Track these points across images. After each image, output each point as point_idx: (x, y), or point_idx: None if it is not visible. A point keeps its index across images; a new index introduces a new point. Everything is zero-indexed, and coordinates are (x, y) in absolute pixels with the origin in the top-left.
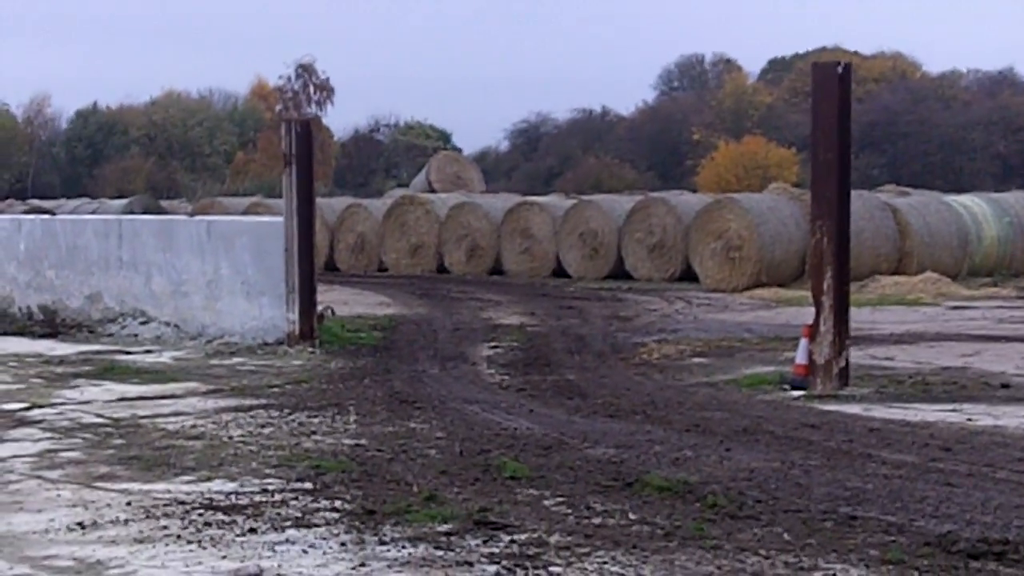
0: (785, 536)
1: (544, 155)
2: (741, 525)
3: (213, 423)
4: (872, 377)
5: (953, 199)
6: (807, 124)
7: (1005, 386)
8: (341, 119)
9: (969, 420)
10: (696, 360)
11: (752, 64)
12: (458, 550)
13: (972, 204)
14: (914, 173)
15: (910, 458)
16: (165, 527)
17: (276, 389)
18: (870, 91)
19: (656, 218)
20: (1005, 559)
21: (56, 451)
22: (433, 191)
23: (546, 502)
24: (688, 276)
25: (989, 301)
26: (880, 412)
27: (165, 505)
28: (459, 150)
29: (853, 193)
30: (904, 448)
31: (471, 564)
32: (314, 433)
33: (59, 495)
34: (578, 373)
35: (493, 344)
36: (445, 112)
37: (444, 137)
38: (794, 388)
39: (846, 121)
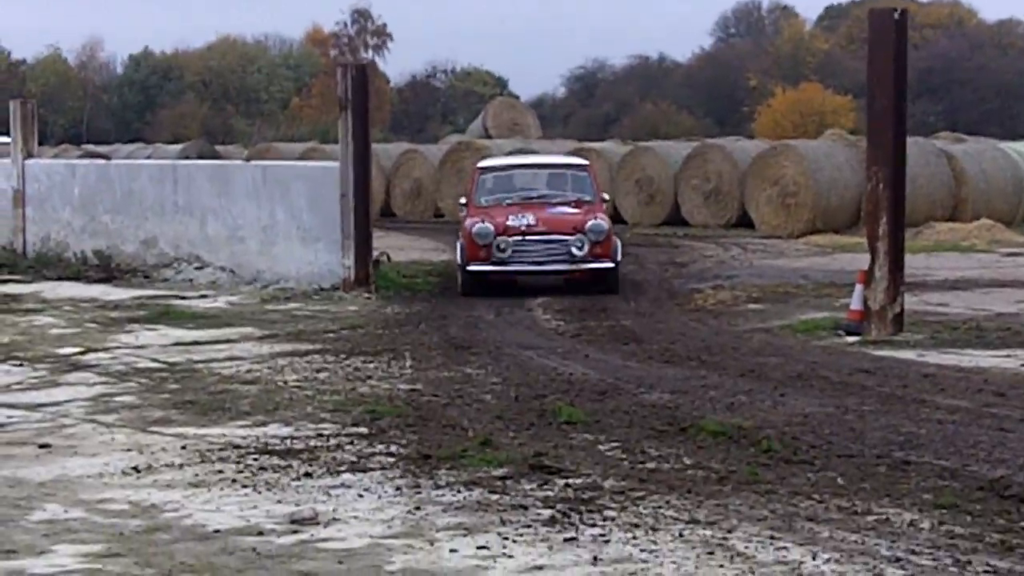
0: (839, 480)
1: (601, 101)
2: (795, 469)
3: (268, 368)
4: (926, 323)
5: (1009, 146)
6: (864, 71)
7: None
8: (398, 65)
9: (1023, 366)
10: (751, 306)
11: (809, 11)
12: (513, 494)
13: None
14: (970, 120)
15: (964, 403)
16: (220, 471)
17: (331, 334)
18: (927, 38)
19: (712, 164)
20: None
21: (111, 395)
22: (489, 137)
23: (601, 447)
24: (744, 222)
25: None
26: (934, 358)
27: (220, 449)
28: (516, 96)
29: (909, 140)
30: (958, 393)
31: (526, 508)
32: (369, 378)
33: (114, 439)
34: (633, 319)
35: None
36: (502, 58)
37: (501, 83)
38: (849, 334)
39: (902, 68)
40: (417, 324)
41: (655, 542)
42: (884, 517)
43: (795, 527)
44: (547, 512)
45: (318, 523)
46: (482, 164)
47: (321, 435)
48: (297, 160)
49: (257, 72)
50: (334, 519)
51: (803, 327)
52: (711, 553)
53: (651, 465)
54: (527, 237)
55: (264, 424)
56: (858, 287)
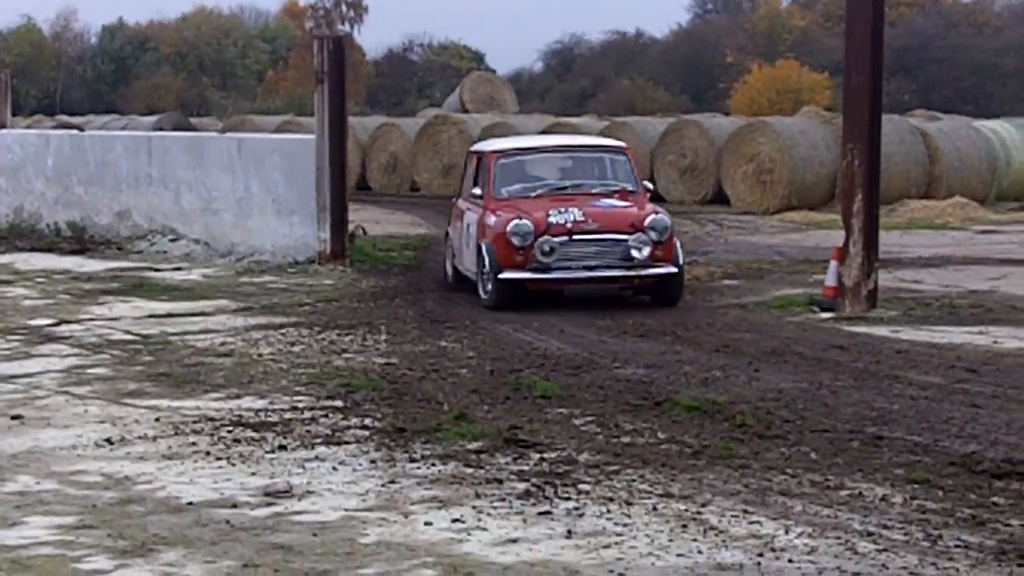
0: (812, 455)
1: (577, 77)
2: (769, 444)
3: (243, 341)
4: (900, 299)
5: (983, 124)
6: (840, 48)
7: None
8: (374, 38)
9: (995, 342)
10: (726, 282)
11: None
12: (488, 468)
13: (1001, 129)
14: (945, 98)
15: (936, 379)
16: (194, 444)
17: (307, 307)
18: (903, 15)
19: (688, 140)
20: None
21: (84, 367)
22: (466, 111)
23: (576, 421)
24: (719, 198)
25: (1016, 225)
26: (907, 334)
27: (194, 422)
28: (492, 71)
29: (884, 117)
30: (930, 370)
31: (500, 482)
32: (345, 351)
33: (87, 411)
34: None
35: None
36: (479, 32)
37: (478, 57)
38: (823, 310)
39: (879, 44)
40: (392, 298)
41: (629, 516)
42: (857, 492)
43: (768, 501)
44: (522, 486)
45: (292, 496)
46: (496, 146)
47: (296, 408)
48: (273, 133)
49: (233, 44)
50: (308, 492)
51: (778, 303)
52: (685, 527)
53: (626, 439)
54: (575, 237)
55: (238, 397)
56: (832, 263)
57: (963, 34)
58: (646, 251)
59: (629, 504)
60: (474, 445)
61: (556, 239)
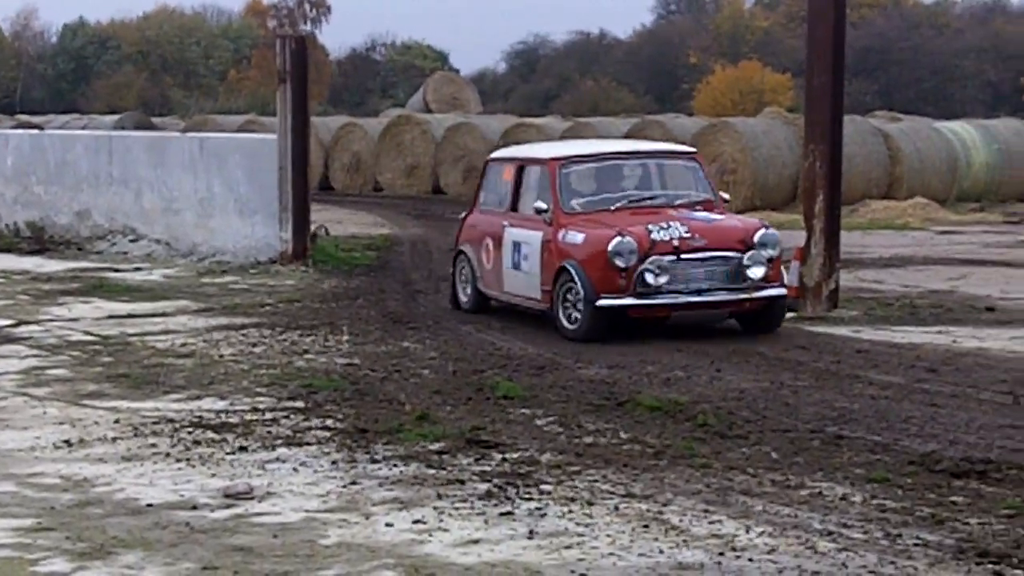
0: (773, 455)
1: (541, 77)
2: (730, 444)
3: (204, 341)
4: (861, 300)
5: (944, 125)
6: (802, 49)
7: (990, 309)
8: (337, 38)
9: (954, 342)
10: None
11: None
12: (450, 468)
13: (962, 131)
14: (906, 100)
15: (896, 379)
16: (154, 445)
17: (268, 308)
18: (864, 17)
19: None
20: (987, 478)
21: (43, 368)
22: (430, 111)
23: (538, 421)
24: None
25: (976, 226)
26: (868, 334)
27: (154, 423)
28: (456, 71)
29: (845, 118)
30: (891, 369)
31: (463, 482)
32: (306, 352)
33: (46, 413)
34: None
35: None
36: (443, 32)
37: (441, 57)
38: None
39: (841, 45)
40: (355, 298)
41: (591, 516)
42: (817, 491)
43: (729, 501)
44: (484, 486)
45: (253, 497)
46: (555, 153)
47: (256, 409)
48: (235, 132)
49: (195, 43)
50: (269, 493)
51: None
52: (646, 527)
53: (588, 439)
54: (683, 256)
55: (199, 398)
56: (794, 264)
57: (924, 35)
58: (761, 270)
59: (591, 504)
60: (436, 446)
61: (665, 259)
